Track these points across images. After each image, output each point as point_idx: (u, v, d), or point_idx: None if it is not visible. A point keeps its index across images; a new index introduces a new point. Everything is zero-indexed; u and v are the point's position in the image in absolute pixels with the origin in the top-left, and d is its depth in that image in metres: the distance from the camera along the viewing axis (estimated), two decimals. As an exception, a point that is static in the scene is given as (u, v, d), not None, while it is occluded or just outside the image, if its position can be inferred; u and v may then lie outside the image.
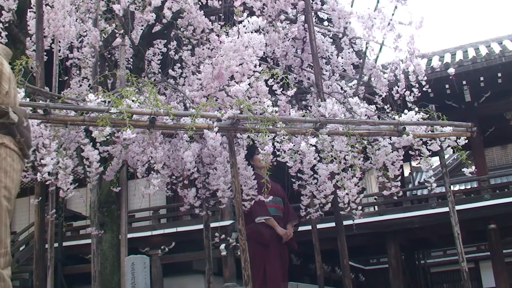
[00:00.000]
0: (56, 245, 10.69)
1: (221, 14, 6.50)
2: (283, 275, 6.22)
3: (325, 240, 7.13)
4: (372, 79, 7.18)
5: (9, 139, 2.19)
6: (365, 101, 6.45)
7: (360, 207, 5.56)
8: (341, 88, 7.09)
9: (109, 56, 6.91)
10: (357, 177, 5.32)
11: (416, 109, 5.67)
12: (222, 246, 11.14)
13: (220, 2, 6.58)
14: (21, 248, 12.57)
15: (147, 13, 5.93)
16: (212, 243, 6.85)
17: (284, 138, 4.78)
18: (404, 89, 6.70)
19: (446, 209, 6.05)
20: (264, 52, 5.71)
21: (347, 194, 5.24)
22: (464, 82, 12.32)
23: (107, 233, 6.64)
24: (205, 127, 4.73)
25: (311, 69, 6.84)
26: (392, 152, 5.51)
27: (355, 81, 8.01)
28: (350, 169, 5.33)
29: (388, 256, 12.96)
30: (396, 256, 12.79)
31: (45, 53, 5.78)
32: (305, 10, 6.64)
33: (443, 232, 11.21)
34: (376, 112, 6.29)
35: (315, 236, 6.81)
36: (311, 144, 4.88)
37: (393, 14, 6.62)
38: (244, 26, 5.43)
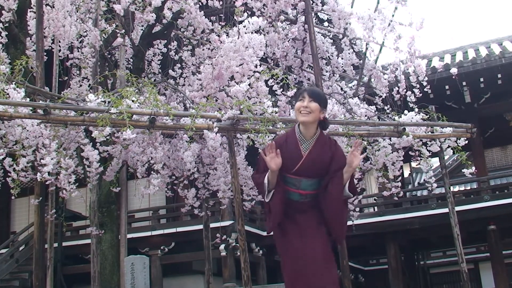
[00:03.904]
0: (55, 245, 10.68)
1: (221, 15, 6.50)
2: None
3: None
4: (372, 80, 7.18)
5: None
6: (365, 102, 6.46)
7: (358, 209, 5.54)
8: (341, 88, 7.09)
9: (109, 56, 6.91)
10: (357, 178, 5.31)
11: (416, 109, 5.67)
12: (222, 247, 11.15)
13: (220, 3, 6.59)
14: (20, 248, 12.56)
15: (147, 13, 5.94)
16: (212, 243, 6.85)
17: (284, 138, 4.77)
18: (405, 90, 6.70)
19: (445, 210, 6.04)
20: (264, 53, 5.71)
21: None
22: (464, 83, 12.32)
23: (106, 233, 6.65)
24: (205, 128, 4.73)
25: (311, 69, 6.84)
26: (392, 152, 5.51)
27: (355, 82, 8.01)
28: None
29: (387, 256, 12.96)
30: (396, 256, 12.79)
31: (45, 53, 5.78)
32: (305, 11, 6.64)
33: (443, 233, 11.19)
34: (376, 113, 6.28)
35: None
36: (311, 145, 4.87)
37: (393, 15, 6.63)
38: (244, 26, 5.44)
